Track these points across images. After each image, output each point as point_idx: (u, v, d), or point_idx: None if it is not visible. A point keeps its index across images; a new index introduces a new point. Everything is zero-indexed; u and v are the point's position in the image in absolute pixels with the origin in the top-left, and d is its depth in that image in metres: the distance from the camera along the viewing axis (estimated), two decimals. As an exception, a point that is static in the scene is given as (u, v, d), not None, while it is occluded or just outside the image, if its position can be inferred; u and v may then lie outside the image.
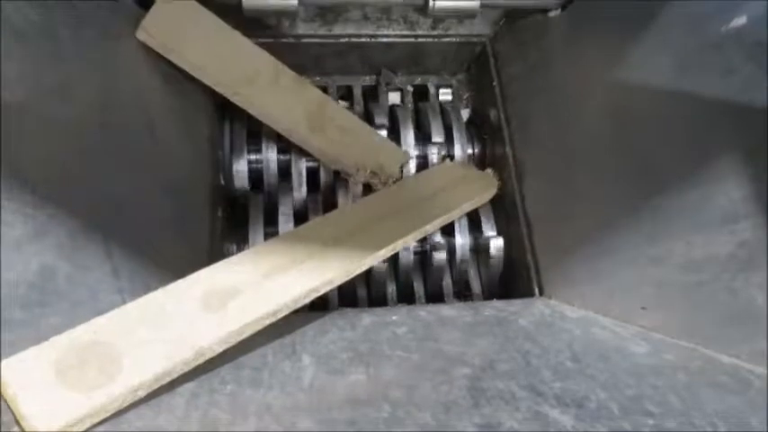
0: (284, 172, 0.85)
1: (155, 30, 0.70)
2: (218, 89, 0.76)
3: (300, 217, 0.81)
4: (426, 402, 0.45)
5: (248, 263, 0.59)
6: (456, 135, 0.89)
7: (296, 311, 0.58)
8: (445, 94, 1.00)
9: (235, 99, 0.77)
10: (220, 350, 0.50)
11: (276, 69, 0.79)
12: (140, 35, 0.69)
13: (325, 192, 0.85)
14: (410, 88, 0.98)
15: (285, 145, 0.84)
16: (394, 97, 0.98)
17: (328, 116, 0.82)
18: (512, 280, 0.81)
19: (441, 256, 0.81)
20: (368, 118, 0.90)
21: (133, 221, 0.57)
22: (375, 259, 0.68)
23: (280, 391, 0.47)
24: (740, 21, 0.53)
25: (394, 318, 0.62)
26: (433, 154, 0.88)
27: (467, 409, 0.44)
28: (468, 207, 0.82)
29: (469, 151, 0.91)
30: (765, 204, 0.48)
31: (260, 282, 0.57)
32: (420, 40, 0.91)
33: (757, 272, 0.49)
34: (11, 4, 0.48)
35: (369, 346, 0.55)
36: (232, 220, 0.84)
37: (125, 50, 0.66)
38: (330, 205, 0.83)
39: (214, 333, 0.50)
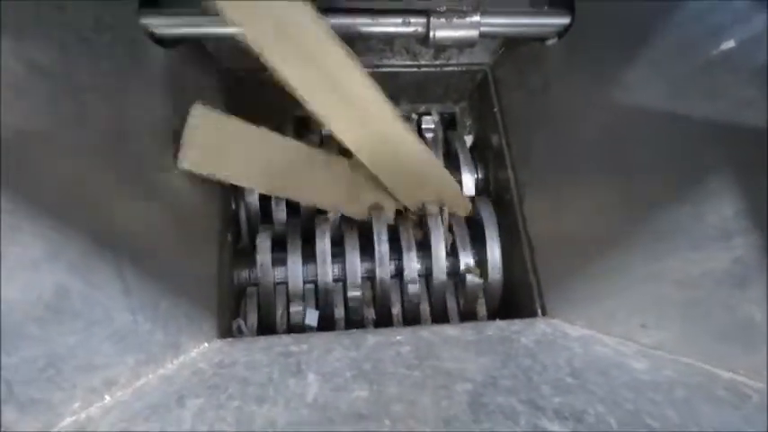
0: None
1: (193, 157, 0.72)
2: (260, 190, 0.81)
3: (308, 241, 0.83)
4: (427, 417, 0.46)
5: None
6: (462, 165, 0.91)
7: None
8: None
9: (276, 194, 0.82)
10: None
11: (309, 155, 0.81)
12: (182, 165, 0.71)
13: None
14: (414, 116, 1.00)
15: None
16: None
17: (360, 183, 0.84)
18: (514, 300, 0.82)
19: (444, 278, 0.82)
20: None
21: (144, 243, 0.59)
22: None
23: (284, 406, 0.48)
24: (728, 44, 0.55)
25: (398, 338, 0.63)
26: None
27: (466, 424, 0.45)
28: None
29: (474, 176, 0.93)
30: (757, 221, 0.49)
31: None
32: (423, 69, 0.94)
33: (753, 287, 0.49)
34: (32, 43, 0.52)
35: (372, 365, 0.56)
36: (241, 246, 0.86)
37: (138, 83, 0.69)
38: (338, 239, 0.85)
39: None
